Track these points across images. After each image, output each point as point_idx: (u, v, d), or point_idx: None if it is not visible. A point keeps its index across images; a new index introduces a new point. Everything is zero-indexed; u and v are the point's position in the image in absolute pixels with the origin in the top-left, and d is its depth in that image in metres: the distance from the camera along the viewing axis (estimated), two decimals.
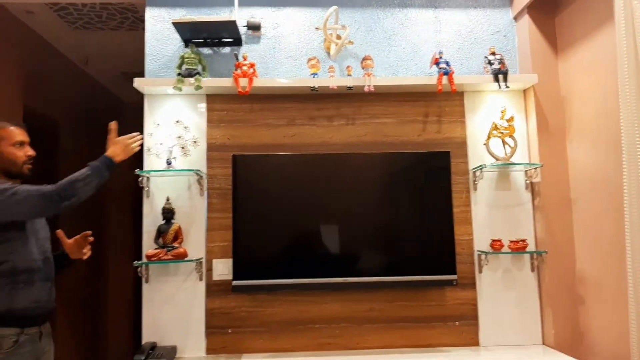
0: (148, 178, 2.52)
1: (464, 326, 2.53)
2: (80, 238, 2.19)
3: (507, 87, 2.53)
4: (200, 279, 2.50)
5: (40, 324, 1.99)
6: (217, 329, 2.48)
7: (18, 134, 2.04)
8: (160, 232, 2.43)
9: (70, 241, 2.18)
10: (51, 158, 4.26)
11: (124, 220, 5.27)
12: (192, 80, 2.45)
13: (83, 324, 4.60)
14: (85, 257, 2.20)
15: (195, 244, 2.51)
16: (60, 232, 2.16)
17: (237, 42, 2.63)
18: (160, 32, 2.65)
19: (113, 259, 5.15)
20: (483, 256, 2.54)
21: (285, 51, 2.67)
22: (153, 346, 2.36)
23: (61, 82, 4.25)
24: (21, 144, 2.04)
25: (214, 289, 2.51)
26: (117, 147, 2.10)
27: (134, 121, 5.41)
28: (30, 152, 2.07)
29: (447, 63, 2.54)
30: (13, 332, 1.87)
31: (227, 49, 2.65)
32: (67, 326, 4.27)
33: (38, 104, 3.87)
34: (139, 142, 2.17)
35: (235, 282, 2.40)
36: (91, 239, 2.20)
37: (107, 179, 2.03)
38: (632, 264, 1.90)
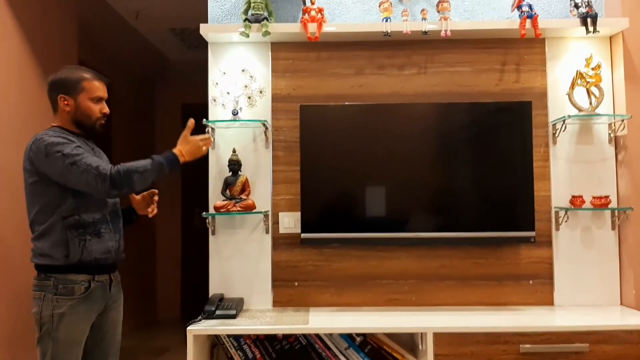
0: (213, 129, 2.46)
1: (538, 285, 2.43)
2: (147, 195, 2.18)
3: (596, 32, 2.34)
4: (267, 232, 2.46)
5: (110, 273, 2.02)
6: (283, 282, 2.46)
7: (99, 88, 1.99)
8: (228, 184, 2.39)
9: (137, 197, 2.18)
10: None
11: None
12: (259, 25, 2.35)
13: (133, 277, 4.70)
14: (151, 215, 2.19)
15: (261, 197, 2.46)
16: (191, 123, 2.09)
17: None
18: None
19: (161, 214, 5.22)
20: (562, 213, 2.42)
21: None
22: (221, 298, 2.35)
23: (112, 36, 4.21)
24: (99, 99, 1.99)
25: (280, 242, 2.47)
26: (188, 147, 1.99)
27: (179, 80, 5.42)
28: (106, 109, 2.02)
29: (530, 6, 2.36)
30: (85, 279, 1.90)
31: None
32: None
33: (91, 58, 3.85)
34: (209, 145, 2.08)
35: (304, 235, 2.35)
36: (156, 198, 2.19)
37: (165, 176, 1.97)
38: None
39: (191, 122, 2.02)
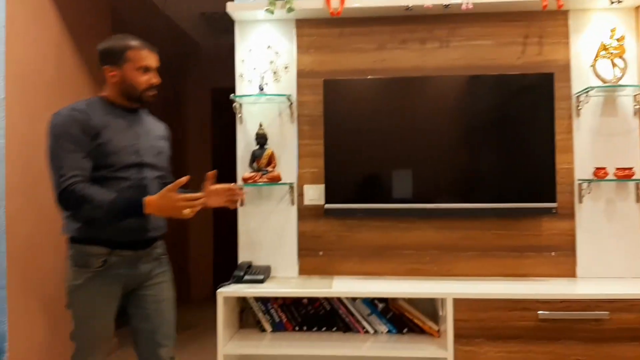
0: (241, 104, 2.55)
1: (561, 257, 2.45)
2: (223, 189, 2.02)
3: (620, 2, 2.33)
4: (292, 203, 2.55)
5: (139, 249, 1.88)
6: (308, 251, 2.55)
7: (146, 57, 1.88)
8: (255, 157, 2.48)
9: (212, 188, 2.00)
10: None
11: (202, 147, 5.39)
12: (283, 2, 2.42)
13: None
14: (232, 207, 2.07)
15: (286, 170, 2.54)
16: (212, 174, 2.01)
17: None
18: None
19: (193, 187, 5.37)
20: (585, 185, 2.42)
21: None
22: (249, 265, 2.46)
23: (141, 20, 4.34)
24: (146, 69, 1.88)
25: (305, 214, 2.55)
26: (162, 202, 1.74)
27: (209, 65, 5.52)
28: (155, 79, 1.90)
29: None
30: (101, 252, 1.79)
31: None
32: None
33: None
34: (193, 210, 1.76)
35: (327, 206, 2.43)
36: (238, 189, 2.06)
37: (120, 221, 1.77)
38: None
39: (183, 178, 1.77)
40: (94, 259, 1.79)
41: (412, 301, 2.38)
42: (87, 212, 1.72)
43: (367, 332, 2.36)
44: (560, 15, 2.49)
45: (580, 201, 2.45)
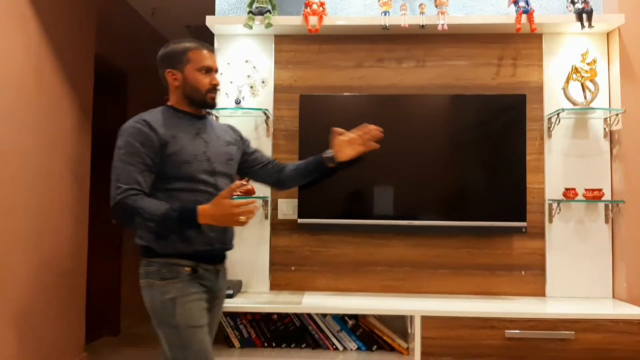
0: (217, 117, 2.56)
1: (531, 276, 2.47)
2: (359, 136, 1.93)
3: (591, 27, 2.38)
4: (266, 218, 2.55)
5: (216, 263, 1.83)
6: (280, 265, 2.54)
7: (206, 58, 1.81)
8: None
9: (344, 138, 1.93)
10: (122, 107, 4.41)
11: None
12: (262, 18, 2.45)
13: None
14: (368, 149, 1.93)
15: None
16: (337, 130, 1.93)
17: None
18: None
19: None
20: (554, 205, 2.45)
21: None
22: None
23: (129, 32, 4.36)
24: (208, 70, 1.81)
25: (278, 228, 2.55)
26: (217, 210, 1.61)
27: None
28: (216, 80, 1.83)
29: (526, 2, 2.41)
30: (189, 264, 1.72)
31: None
32: (132, 262, 4.49)
33: (108, 53, 3.99)
34: (249, 217, 1.62)
35: (300, 220, 2.43)
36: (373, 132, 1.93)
37: (175, 233, 1.70)
38: None
39: (237, 183, 1.66)
40: (183, 268, 1.71)
41: (383, 318, 2.37)
42: (140, 225, 1.65)
43: (336, 349, 2.34)
44: (535, 39, 2.54)
45: (551, 221, 2.47)
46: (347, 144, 1.92)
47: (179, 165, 1.72)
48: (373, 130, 1.92)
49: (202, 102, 1.82)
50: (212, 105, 1.85)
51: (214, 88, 1.82)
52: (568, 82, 2.45)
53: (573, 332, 2.08)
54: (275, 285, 2.53)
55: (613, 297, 2.44)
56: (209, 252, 1.77)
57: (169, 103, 1.86)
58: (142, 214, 1.61)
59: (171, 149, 1.72)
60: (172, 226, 1.64)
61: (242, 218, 1.61)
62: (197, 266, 1.73)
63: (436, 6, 2.45)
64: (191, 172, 1.74)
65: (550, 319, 2.10)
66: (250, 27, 2.45)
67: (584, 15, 2.38)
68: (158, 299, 1.69)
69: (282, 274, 2.54)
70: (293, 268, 2.53)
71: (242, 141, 2.01)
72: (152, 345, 3.97)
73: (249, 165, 2.02)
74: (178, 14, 4.42)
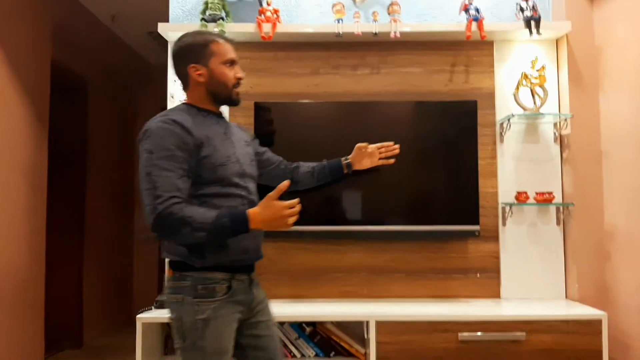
0: None
1: (486, 279, 2.51)
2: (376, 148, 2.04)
3: (539, 34, 2.44)
4: None
5: (249, 272, 1.72)
6: None
7: (229, 50, 1.70)
8: None
9: (368, 149, 2.02)
10: (81, 115, 4.34)
11: None
12: (215, 25, 2.44)
13: (109, 268, 4.74)
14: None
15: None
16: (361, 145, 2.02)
17: None
18: None
19: (140, 206, 5.25)
20: (507, 208, 2.50)
21: None
22: None
23: (88, 39, 4.28)
24: (232, 62, 1.70)
25: None
26: (267, 213, 1.51)
27: (160, 84, 5.47)
28: (240, 73, 1.72)
29: (477, 10, 2.46)
30: (225, 277, 1.61)
31: None
32: (94, 272, 4.41)
33: (66, 59, 3.92)
34: (295, 218, 1.54)
35: None
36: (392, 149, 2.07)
37: (223, 238, 1.57)
38: None
39: (285, 183, 1.53)
40: (219, 285, 1.59)
41: (341, 324, 2.38)
42: (187, 235, 1.49)
43: (294, 356, 2.33)
44: (486, 46, 2.59)
45: (504, 224, 2.52)
46: (367, 155, 2.00)
47: (213, 168, 1.60)
48: (393, 147, 2.05)
49: (228, 97, 1.71)
50: (237, 101, 1.74)
51: (238, 82, 1.71)
52: (518, 88, 2.50)
53: (524, 333, 2.12)
54: None
55: (566, 297, 2.49)
56: (244, 260, 1.67)
57: (188, 101, 1.72)
58: (190, 224, 1.47)
59: (206, 151, 1.59)
60: (223, 234, 1.52)
61: (292, 219, 1.52)
62: (232, 278, 1.62)
63: (389, 14, 2.48)
64: (226, 175, 1.62)
65: (502, 320, 2.14)
66: None
67: (532, 23, 2.44)
68: (188, 318, 1.56)
69: None
70: None
71: (253, 141, 1.92)
72: (117, 357, 3.91)
73: (261, 166, 1.90)
74: (139, 21, 4.36)
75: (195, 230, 1.47)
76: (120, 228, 5.05)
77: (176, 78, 2.41)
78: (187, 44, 1.69)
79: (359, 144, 2.02)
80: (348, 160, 2.01)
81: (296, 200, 1.54)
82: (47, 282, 3.41)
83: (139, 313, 2.18)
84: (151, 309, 2.25)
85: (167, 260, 1.69)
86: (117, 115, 5.20)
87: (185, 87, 1.72)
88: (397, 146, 2.05)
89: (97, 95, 4.54)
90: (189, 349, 1.58)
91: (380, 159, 2.07)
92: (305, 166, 2.00)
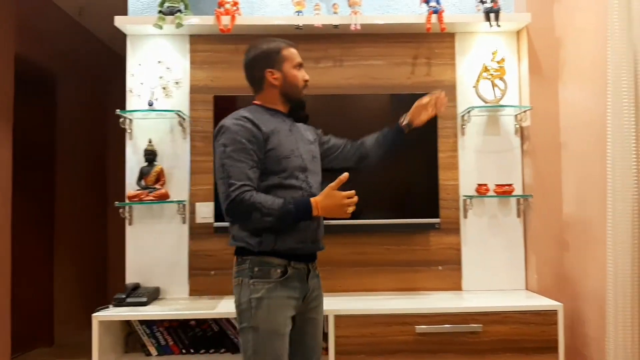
0: (130, 120, 2.50)
1: (447, 271, 2.52)
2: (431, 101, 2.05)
3: (498, 25, 2.44)
4: (184, 222, 2.50)
5: (308, 262, 1.82)
6: (200, 270, 2.50)
7: (297, 55, 1.87)
8: (143, 174, 2.43)
9: (423, 101, 2.04)
10: (50, 108, 4.26)
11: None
12: (173, 17, 2.40)
13: (83, 264, 4.69)
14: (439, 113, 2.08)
15: (178, 187, 2.50)
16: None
17: None
18: None
19: (112, 203, 5.19)
20: (468, 200, 2.51)
21: None
22: (136, 287, 2.38)
23: (56, 32, 4.20)
24: (300, 65, 1.87)
25: (197, 232, 2.51)
26: (328, 202, 1.69)
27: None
28: (307, 76, 1.89)
29: (437, 1, 2.45)
30: (282, 263, 1.72)
31: None
32: (66, 269, 4.35)
33: (32, 53, 3.84)
34: (354, 207, 1.72)
35: (217, 224, 2.40)
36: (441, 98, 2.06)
37: (289, 226, 1.72)
38: (612, 207, 1.87)
39: (344, 175, 1.71)
40: (274, 269, 1.71)
41: None
42: (257, 220, 1.66)
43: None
44: (447, 38, 2.58)
45: (465, 216, 2.53)
46: (423, 109, 2.02)
47: (278, 160, 1.75)
48: (442, 96, 2.05)
49: (298, 98, 1.87)
50: (304, 102, 1.89)
51: (305, 84, 1.88)
52: (479, 81, 2.50)
53: (481, 325, 2.13)
54: (194, 291, 2.49)
55: (526, 288, 2.51)
56: (302, 249, 1.77)
57: (257, 102, 1.87)
58: (260, 209, 1.64)
59: (272, 144, 1.74)
60: (289, 220, 1.68)
61: (350, 209, 1.69)
62: (288, 265, 1.73)
63: (350, 6, 2.46)
64: (289, 167, 1.76)
65: (459, 312, 2.14)
66: (160, 27, 2.40)
67: (492, 15, 2.43)
68: (245, 298, 1.70)
69: (202, 278, 2.50)
70: (213, 272, 2.50)
71: (318, 136, 2.02)
72: (88, 355, 3.87)
73: (330, 154, 2.02)
74: (107, 14, 4.27)
75: (264, 215, 1.64)
76: (93, 222, 4.98)
77: (134, 72, 2.40)
78: (262, 51, 1.85)
79: (418, 100, 2.04)
80: (407, 121, 2.04)
81: (353, 191, 1.70)
82: (16, 280, 3.36)
83: (96, 311, 2.15)
84: (108, 307, 2.22)
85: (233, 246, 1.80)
86: (88, 108, 5.11)
87: (259, 90, 1.87)
88: (444, 94, 2.07)
89: (67, 88, 4.46)
90: (245, 329, 1.69)
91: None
92: (370, 138, 2.06)
